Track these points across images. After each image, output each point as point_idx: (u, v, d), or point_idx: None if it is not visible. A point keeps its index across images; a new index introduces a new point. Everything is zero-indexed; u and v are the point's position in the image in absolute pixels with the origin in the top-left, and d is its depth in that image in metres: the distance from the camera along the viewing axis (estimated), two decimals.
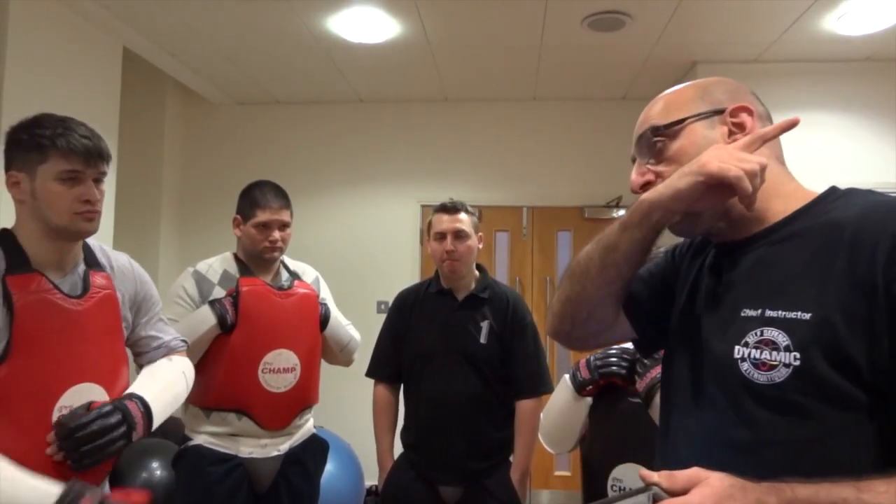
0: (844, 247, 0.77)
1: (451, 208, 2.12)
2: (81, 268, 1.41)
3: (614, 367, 1.59)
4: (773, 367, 0.78)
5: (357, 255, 4.46)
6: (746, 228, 0.90)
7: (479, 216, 2.21)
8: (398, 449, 2.20)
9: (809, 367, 0.76)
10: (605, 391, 1.65)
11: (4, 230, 1.35)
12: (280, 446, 2.03)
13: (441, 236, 2.10)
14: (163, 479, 3.37)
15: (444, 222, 2.10)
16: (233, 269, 2.09)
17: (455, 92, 4.35)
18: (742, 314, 0.83)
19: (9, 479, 1.13)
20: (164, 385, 1.52)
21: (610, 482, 1.59)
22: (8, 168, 1.33)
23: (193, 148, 4.64)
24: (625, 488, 1.57)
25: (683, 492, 0.70)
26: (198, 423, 2.02)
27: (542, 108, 4.47)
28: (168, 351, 1.61)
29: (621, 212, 4.31)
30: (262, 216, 2.03)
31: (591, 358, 1.67)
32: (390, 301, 2.32)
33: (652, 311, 1.05)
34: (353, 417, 3.29)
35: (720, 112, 0.92)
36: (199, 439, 2.00)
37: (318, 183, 4.54)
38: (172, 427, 3.81)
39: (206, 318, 1.93)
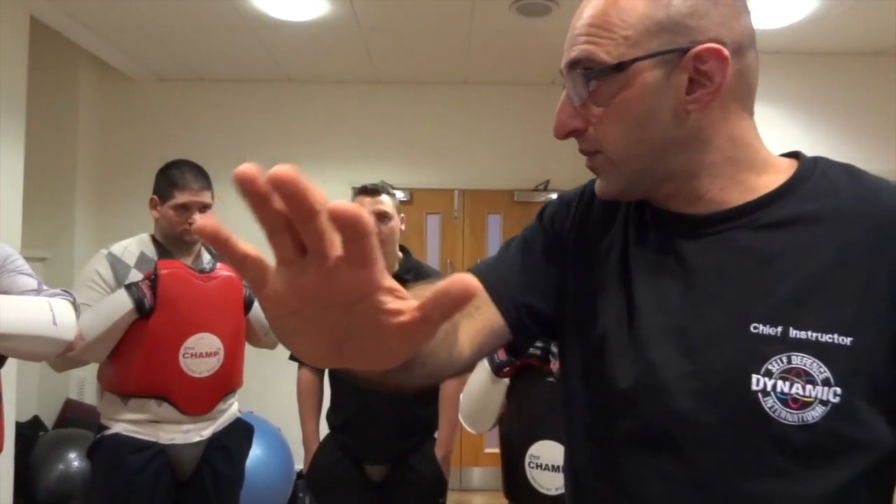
0: (881, 247, 0.63)
1: (372, 190, 2.13)
2: None
3: (530, 349, 1.64)
4: (806, 405, 0.62)
5: None
6: (713, 203, 0.70)
7: (410, 198, 2.22)
8: (324, 432, 2.20)
9: (851, 406, 0.61)
10: (521, 372, 1.70)
11: None
12: (203, 431, 2.00)
13: None
14: (80, 471, 3.26)
15: (366, 205, 2.11)
16: (150, 251, 2.03)
17: (386, 74, 4.32)
18: (753, 329, 0.64)
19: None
20: (13, 300, 1.45)
21: (527, 459, 1.65)
22: None
23: (111, 125, 4.42)
24: (541, 465, 1.64)
25: None
26: (115, 410, 1.95)
27: (473, 91, 4.49)
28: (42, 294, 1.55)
29: (552, 195, 4.41)
30: (180, 197, 1.97)
31: None
32: None
33: (533, 305, 0.78)
34: (282, 402, 3.25)
35: (683, 51, 0.65)
36: (118, 427, 1.93)
37: (246, 164, 4.42)
38: (87, 416, 3.67)
39: (122, 303, 1.86)
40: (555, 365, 1.58)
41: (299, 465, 3.79)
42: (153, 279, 1.91)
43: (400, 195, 4.50)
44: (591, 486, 0.74)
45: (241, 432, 2.12)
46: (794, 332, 0.62)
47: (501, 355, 1.70)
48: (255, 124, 4.47)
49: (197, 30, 3.59)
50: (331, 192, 4.40)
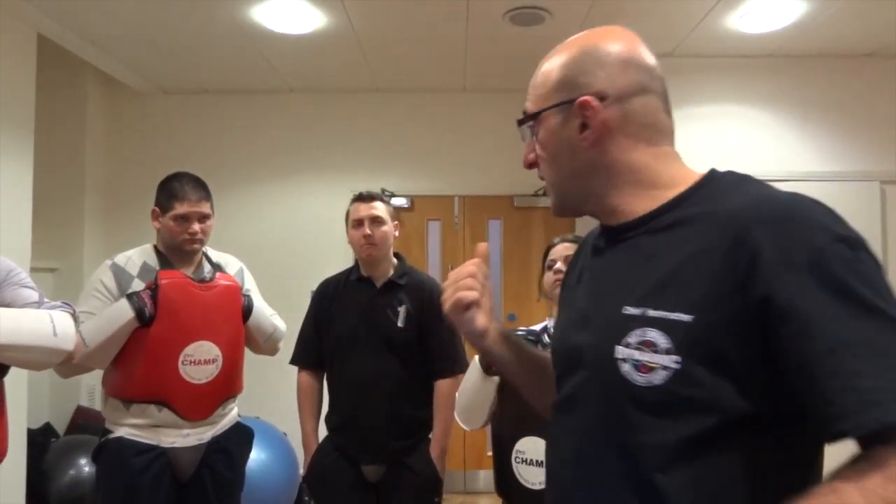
0: (727, 243, 0.73)
1: (366, 197, 2.21)
2: None
3: None
4: (652, 370, 0.75)
5: (291, 245, 4.46)
6: (624, 214, 0.86)
7: (411, 205, 2.31)
8: (324, 434, 2.26)
9: (689, 372, 0.73)
10: None
11: None
12: (202, 435, 2.06)
13: (358, 223, 2.18)
14: (91, 476, 3.34)
15: (360, 210, 2.19)
16: (153, 261, 2.10)
17: (385, 82, 4.39)
18: (624, 311, 0.78)
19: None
20: (14, 312, 1.50)
21: (514, 454, 1.71)
22: None
23: (118, 137, 4.52)
24: (527, 459, 1.69)
25: None
26: (118, 415, 2.02)
27: (471, 98, 4.56)
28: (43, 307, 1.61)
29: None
30: (180, 208, 2.04)
31: None
32: None
33: None
34: (287, 407, 3.30)
35: (571, 102, 0.84)
36: (121, 431, 2.00)
37: (251, 173, 4.51)
38: (98, 423, 3.76)
39: (123, 312, 1.94)
40: None
41: (303, 470, 3.86)
42: (154, 289, 1.98)
43: (401, 202, 4.60)
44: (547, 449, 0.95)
45: (240, 436, 2.18)
46: (651, 311, 0.76)
47: None
48: (258, 134, 4.55)
49: (200, 43, 3.68)
50: (332, 199, 4.48)
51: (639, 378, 0.76)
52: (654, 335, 0.75)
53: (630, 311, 0.78)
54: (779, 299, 0.69)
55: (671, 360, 0.74)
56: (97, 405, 4.13)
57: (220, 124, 4.55)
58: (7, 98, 3.14)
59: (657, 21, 3.36)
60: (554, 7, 3.19)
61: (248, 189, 4.48)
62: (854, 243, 0.70)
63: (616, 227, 0.87)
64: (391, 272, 2.23)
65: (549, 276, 1.85)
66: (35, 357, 1.50)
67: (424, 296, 2.19)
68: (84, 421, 3.94)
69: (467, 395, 1.87)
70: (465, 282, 0.99)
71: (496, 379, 1.79)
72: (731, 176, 0.83)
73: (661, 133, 0.86)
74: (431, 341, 2.16)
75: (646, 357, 0.76)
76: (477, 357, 1.83)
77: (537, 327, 1.92)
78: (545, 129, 0.88)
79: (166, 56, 3.86)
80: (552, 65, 0.88)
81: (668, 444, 0.74)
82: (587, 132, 0.84)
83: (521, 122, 0.90)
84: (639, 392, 0.76)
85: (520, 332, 1.79)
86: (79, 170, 4.22)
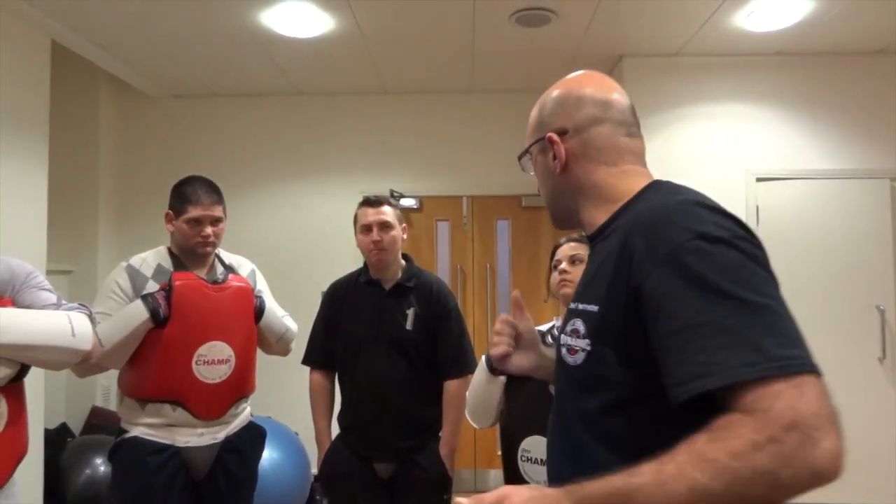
0: (620, 247, 0.88)
1: (374, 202, 2.22)
2: None
3: None
4: (575, 352, 0.92)
5: (301, 246, 4.50)
6: (592, 227, 1.03)
7: (419, 206, 2.33)
8: (336, 432, 2.29)
9: (596, 352, 0.88)
10: None
11: None
12: (216, 434, 2.10)
13: (367, 228, 2.19)
14: (106, 476, 3.39)
15: (369, 215, 2.20)
16: (167, 263, 2.13)
17: (393, 84, 4.42)
18: (571, 306, 0.98)
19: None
20: (35, 314, 1.53)
21: (519, 453, 1.73)
22: None
23: (131, 141, 4.58)
24: (532, 458, 1.71)
25: None
26: (134, 414, 2.06)
27: (478, 99, 4.58)
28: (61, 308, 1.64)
29: None
30: (193, 212, 2.08)
31: None
32: None
33: None
34: (299, 407, 3.34)
35: (542, 139, 1.04)
36: (136, 431, 2.04)
37: (260, 176, 4.55)
38: (113, 422, 3.82)
39: (138, 312, 1.97)
40: None
41: (316, 469, 3.90)
42: (168, 290, 2.02)
43: (410, 203, 4.62)
44: None
45: (253, 435, 2.21)
46: (580, 305, 0.94)
47: None
48: (267, 137, 4.59)
49: (209, 48, 3.73)
50: (341, 200, 4.52)
51: (569, 359, 0.94)
52: (578, 324, 0.93)
53: (573, 305, 0.97)
54: (644, 288, 0.82)
55: (585, 344, 0.90)
56: (112, 405, 4.19)
57: (230, 128, 4.60)
58: (22, 104, 3.20)
59: (663, 20, 3.37)
60: (560, 8, 3.21)
61: (257, 191, 4.53)
62: (714, 239, 0.80)
63: (589, 237, 1.04)
64: (399, 275, 2.26)
65: (555, 277, 1.86)
66: (54, 357, 1.54)
67: (432, 297, 2.21)
68: (99, 421, 3.99)
69: (475, 395, 1.89)
70: (493, 340, 1.20)
71: (502, 379, 1.81)
72: (659, 186, 0.98)
73: (619, 154, 1.01)
74: (440, 343, 2.19)
75: (571, 341, 0.94)
76: (484, 357, 1.85)
77: (544, 327, 1.93)
78: (533, 160, 1.09)
79: (177, 61, 3.91)
80: (534, 110, 1.09)
81: (590, 412, 0.89)
82: (556, 161, 1.02)
83: (520, 157, 1.12)
84: (570, 370, 0.93)
85: None
86: (92, 174, 4.28)
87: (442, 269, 4.54)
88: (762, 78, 3.85)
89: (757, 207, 3.77)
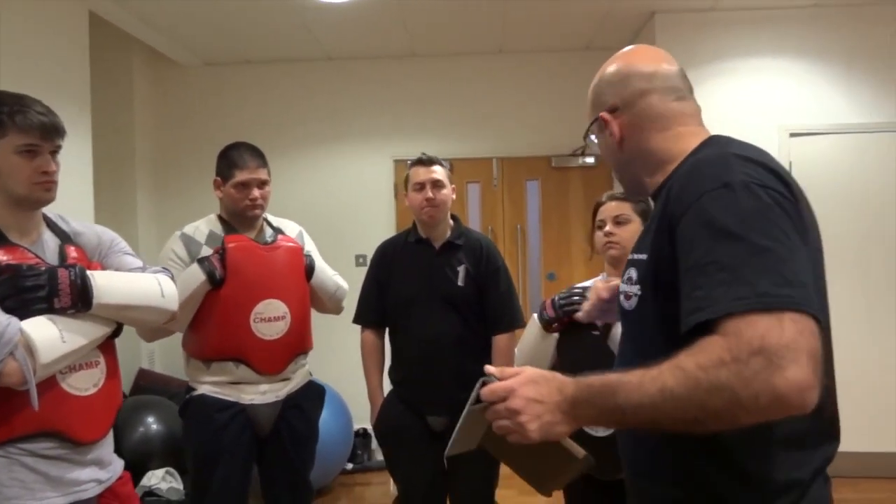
0: (665, 198, 0.97)
1: (426, 161, 2.29)
2: (52, 240, 1.54)
3: (576, 306, 1.75)
4: (629, 297, 1.03)
5: (334, 210, 4.56)
6: (654, 188, 1.11)
7: (451, 168, 2.37)
8: (387, 388, 2.38)
9: (647, 297, 0.98)
10: (569, 326, 1.82)
11: None
12: (279, 392, 2.19)
13: (420, 186, 2.25)
14: (158, 433, 3.55)
15: (421, 174, 2.26)
16: (218, 229, 2.21)
17: (423, 47, 4.41)
18: (630, 256, 1.08)
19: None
20: (128, 276, 1.61)
21: None
22: None
23: (165, 111, 4.64)
24: None
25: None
26: (200, 374, 2.17)
27: (508, 60, 4.56)
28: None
29: (588, 160, 4.48)
30: (240, 176, 2.14)
31: (556, 298, 1.85)
32: (368, 254, 2.47)
33: None
34: (340, 365, 3.45)
35: (598, 118, 1.12)
36: (203, 389, 2.15)
37: (293, 142, 4.60)
38: (158, 384, 3.97)
39: (195, 275, 2.06)
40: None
41: (357, 425, 4.03)
42: (222, 253, 2.10)
43: None
44: None
45: (314, 393, 2.32)
46: (634, 255, 1.05)
47: (550, 312, 1.83)
48: (299, 102, 4.62)
49: (242, 15, 3.74)
50: (373, 164, 4.56)
51: (626, 304, 1.05)
52: (632, 272, 1.03)
53: (630, 256, 1.07)
54: (676, 234, 0.91)
55: (637, 290, 1.01)
56: (158, 367, 4.35)
57: (262, 94, 4.63)
58: (64, 75, 3.25)
59: None
60: None
61: (289, 156, 4.57)
62: (736, 186, 0.86)
63: (652, 198, 1.12)
64: (448, 233, 2.32)
65: (599, 237, 1.87)
66: (149, 317, 1.63)
67: (482, 255, 2.28)
68: (145, 382, 4.15)
69: (527, 351, 1.95)
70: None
71: (555, 336, 1.86)
72: (711, 141, 1.04)
73: (671, 119, 1.07)
74: (490, 298, 2.26)
75: (626, 287, 1.05)
76: (536, 315, 1.91)
77: (587, 283, 1.96)
78: (596, 137, 1.17)
79: (210, 29, 3.94)
80: (589, 91, 1.17)
81: (640, 349, 1.00)
82: (612, 137, 1.11)
83: (584, 136, 1.20)
84: (626, 314, 1.06)
85: (575, 292, 1.83)
86: (128, 143, 4.34)
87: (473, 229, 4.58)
88: (797, 31, 3.78)
89: (790, 163, 3.75)
